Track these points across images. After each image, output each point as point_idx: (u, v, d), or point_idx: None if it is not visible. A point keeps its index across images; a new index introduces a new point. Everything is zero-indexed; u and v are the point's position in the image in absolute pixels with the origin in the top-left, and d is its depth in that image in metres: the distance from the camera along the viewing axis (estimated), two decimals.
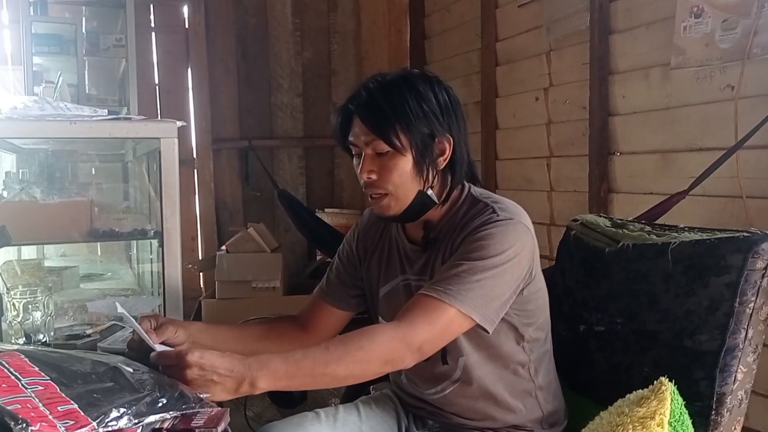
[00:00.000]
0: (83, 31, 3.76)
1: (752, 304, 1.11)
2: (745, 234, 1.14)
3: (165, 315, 1.68)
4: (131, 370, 0.92)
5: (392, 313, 1.18)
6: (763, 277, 1.11)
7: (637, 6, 2.30)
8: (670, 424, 0.96)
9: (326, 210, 4.17)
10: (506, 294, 1.13)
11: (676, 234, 1.26)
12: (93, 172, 2.67)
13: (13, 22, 3.78)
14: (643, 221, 1.45)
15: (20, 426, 0.72)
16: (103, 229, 1.92)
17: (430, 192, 1.21)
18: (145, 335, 1.07)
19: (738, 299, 1.11)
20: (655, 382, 1.01)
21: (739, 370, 1.11)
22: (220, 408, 0.91)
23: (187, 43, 4.14)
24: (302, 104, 4.36)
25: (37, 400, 0.79)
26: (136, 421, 0.81)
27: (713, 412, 1.11)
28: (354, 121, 1.21)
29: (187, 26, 4.14)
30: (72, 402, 0.80)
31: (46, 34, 3.67)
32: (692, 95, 2.06)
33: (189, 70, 4.17)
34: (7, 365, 0.86)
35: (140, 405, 0.83)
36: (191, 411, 0.87)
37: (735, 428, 1.14)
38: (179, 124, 1.73)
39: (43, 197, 2.01)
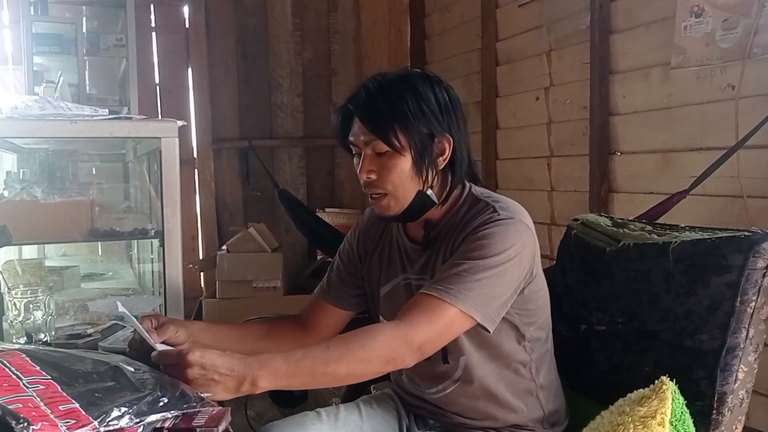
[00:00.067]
0: (84, 30, 3.77)
1: (753, 304, 1.11)
2: (745, 233, 1.14)
3: (166, 314, 1.68)
4: (132, 370, 0.92)
5: (393, 312, 1.18)
6: (764, 276, 1.11)
7: (637, 6, 2.30)
8: (671, 423, 0.96)
9: (327, 210, 4.17)
10: (507, 293, 1.13)
11: (676, 233, 1.26)
12: (94, 172, 2.67)
13: (13, 22, 3.78)
14: (644, 221, 1.45)
15: (21, 425, 0.72)
16: (104, 228, 1.92)
17: (429, 192, 1.21)
18: (146, 335, 1.07)
19: (739, 298, 1.11)
20: (656, 381, 1.01)
21: (740, 370, 1.11)
22: (221, 407, 0.91)
23: (187, 43, 4.13)
24: (302, 104, 4.36)
25: (38, 399, 0.79)
26: (138, 420, 0.81)
27: (714, 412, 1.11)
28: (354, 120, 1.21)
29: (187, 26, 4.13)
30: (73, 401, 0.80)
31: (47, 33, 3.67)
32: (693, 95, 2.06)
33: (189, 70, 4.16)
34: (8, 364, 0.86)
35: (141, 404, 0.83)
36: (192, 410, 0.87)
37: (736, 428, 1.14)
38: (180, 123, 1.73)
39: (44, 197, 2.01)
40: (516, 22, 3.00)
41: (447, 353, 1.22)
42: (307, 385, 1.11)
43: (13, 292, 1.49)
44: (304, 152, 4.38)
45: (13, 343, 1.43)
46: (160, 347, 1.05)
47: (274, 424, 1.24)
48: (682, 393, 1.01)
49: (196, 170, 4.15)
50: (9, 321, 1.46)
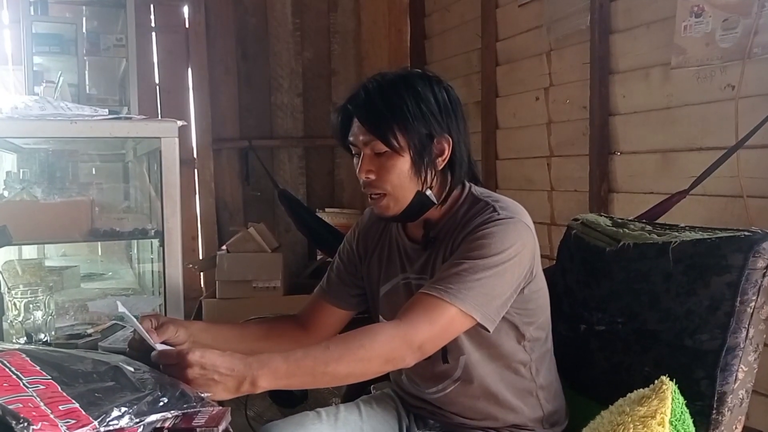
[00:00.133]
0: (84, 30, 3.76)
1: (753, 304, 1.11)
2: (745, 233, 1.14)
3: (166, 314, 1.69)
4: (132, 370, 0.92)
5: (393, 312, 1.18)
6: (764, 276, 1.11)
7: (637, 6, 2.30)
8: (671, 423, 0.96)
9: (326, 210, 4.16)
10: (507, 293, 1.13)
11: (676, 233, 1.26)
12: (94, 172, 2.67)
13: (13, 22, 3.78)
14: (644, 221, 1.45)
15: (22, 425, 0.72)
16: (104, 228, 1.92)
17: (428, 192, 1.21)
18: (146, 335, 1.07)
19: (739, 298, 1.11)
20: (656, 381, 1.01)
21: (740, 370, 1.11)
22: (221, 407, 0.91)
23: (187, 43, 4.13)
24: (302, 104, 4.36)
25: (38, 399, 0.79)
26: (138, 420, 0.81)
27: (714, 412, 1.11)
28: (353, 120, 1.21)
29: (187, 26, 4.13)
30: (73, 401, 0.80)
31: (47, 33, 3.67)
32: (693, 95, 2.06)
33: (189, 70, 4.16)
34: (8, 364, 0.86)
35: (141, 404, 0.83)
36: (192, 410, 0.87)
37: (736, 427, 1.14)
38: (180, 123, 1.73)
39: (44, 197, 2.01)
40: (516, 22, 3.00)
41: (447, 353, 1.22)
42: (307, 385, 1.12)
43: (13, 292, 1.49)
44: (304, 152, 4.38)
45: (13, 343, 1.43)
46: (160, 347, 1.05)
47: (274, 424, 1.24)
48: (682, 393, 1.01)
49: (196, 170, 4.15)
50: (9, 321, 1.46)
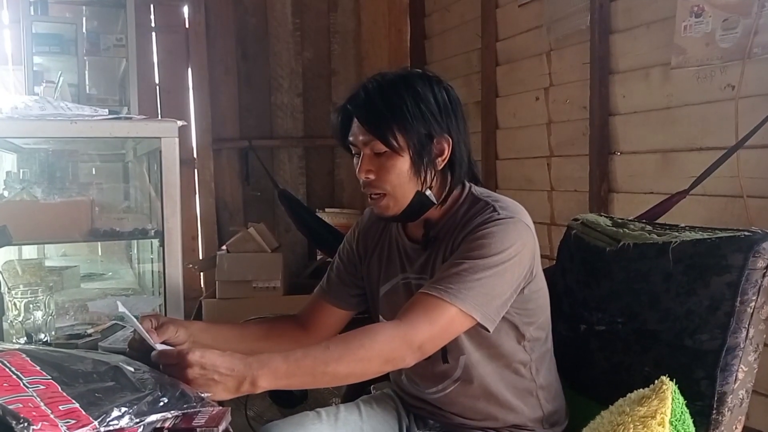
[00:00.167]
0: (84, 30, 3.76)
1: (753, 304, 1.11)
2: (745, 233, 1.14)
3: (166, 314, 1.69)
4: (132, 370, 0.92)
5: (392, 311, 1.18)
6: (764, 276, 1.11)
7: (637, 6, 2.30)
8: (671, 423, 0.96)
9: (326, 210, 4.17)
10: (507, 293, 1.13)
11: (676, 233, 1.26)
12: (94, 172, 2.67)
13: (13, 22, 3.78)
14: (644, 221, 1.45)
15: (22, 425, 0.73)
16: (104, 228, 1.92)
17: (428, 192, 1.21)
18: (146, 335, 1.07)
19: (739, 298, 1.11)
20: (656, 381, 1.01)
21: (740, 370, 1.11)
22: (221, 407, 0.91)
23: (187, 43, 4.13)
24: (302, 104, 4.36)
25: (38, 399, 0.79)
26: (138, 420, 0.81)
27: (714, 412, 1.11)
28: (353, 120, 1.21)
29: (187, 26, 4.13)
30: (73, 401, 0.80)
31: (47, 33, 3.67)
32: (693, 95, 2.06)
33: (189, 70, 4.16)
34: (8, 364, 0.86)
35: (141, 404, 0.83)
36: (192, 410, 0.87)
37: (736, 428, 1.14)
38: (180, 123, 1.73)
39: (44, 197, 2.01)
40: (516, 22, 3.00)
41: (447, 353, 1.22)
42: (307, 385, 1.11)
43: (13, 292, 1.49)
44: (304, 152, 4.38)
45: (13, 343, 1.43)
46: (160, 347, 1.05)
47: (274, 424, 1.24)
48: (682, 393, 1.01)
49: (196, 170, 4.15)
50: (9, 321, 1.46)
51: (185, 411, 0.86)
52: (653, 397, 0.98)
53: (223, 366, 0.94)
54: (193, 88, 4.16)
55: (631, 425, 0.95)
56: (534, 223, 1.21)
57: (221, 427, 0.85)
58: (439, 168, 1.21)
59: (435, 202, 1.22)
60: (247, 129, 4.26)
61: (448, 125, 1.19)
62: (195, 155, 4.14)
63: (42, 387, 0.82)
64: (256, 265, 3.54)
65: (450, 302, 1.07)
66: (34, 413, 0.75)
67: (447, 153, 1.20)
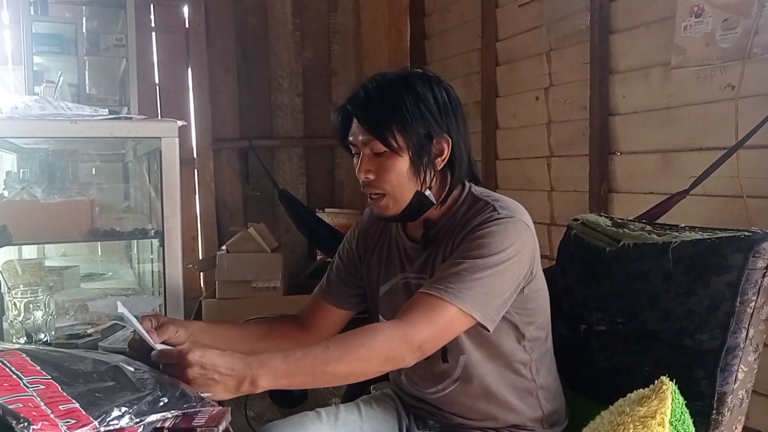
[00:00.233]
0: (84, 30, 3.76)
1: (753, 304, 1.11)
2: (745, 233, 1.14)
3: (166, 314, 1.69)
4: (132, 370, 0.92)
5: (392, 311, 1.18)
6: (764, 276, 1.11)
7: (637, 6, 2.30)
8: (671, 423, 0.96)
9: (326, 210, 4.17)
10: (507, 292, 1.13)
11: (676, 233, 1.26)
12: (94, 172, 2.67)
13: (13, 22, 3.78)
14: (644, 221, 1.45)
15: (22, 425, 0.73)
16: (104, 228, 1.92)
17: (428, 192, 1.21)
18: (146, 334, 1.07)
19: (739, 298, 1.11)
20: (656, 381, 1.01)
21: (740, 370, 1.11)
22: (221, 407, 0.91)
23: (187, 43, 4.13)
24: (302, 104, 4.36)
25: (38, 399, 0.79)
26: (138, 420, 0.81)
27: (714, 412, 1.11)
28: (353, 120, 1.21)
29: (187, 26, 4.13)
30: (73, 401, 0.80)
31: (47, 33, 3.67)
32: (693, 95, 2.06)
33: (189, 70, 4.16)
34: (8, 364, 0.86)
35: (141, 404, 0.83)
36: (192, 410, 0.87)
37: (736, 428, 1.14)
38: (180, 123, 1.73)
39: (44, 197, 2.01)
40: (516, 22, 3.00)
41: (446, 352, 1.22)
42: (307, 385, 1.11)
43: (13, 292, 1.48)
44: (304, 152, 4.38)
45: (13, 343, 1.43)
46: (160, 347, 1.05)
47: (274, 424, 1.24)
48: (682, 393, 1.01)
49: (196, 170, 4.15)
50: (9, 321, 1.46)
51: (185, 411, 0.86)
52: (653, 397, 0.98)
53: (223, 366, 0.94)
54: (193, 88, 4.16)
55: (631, 425, 0.95)
56: (534, 223, 1.21)
57: (221, 427, 0.85)
58: (439, 168, 1.21)
59: (434, 202, 1.22)
60: (247, 129, 4.26)
61: (447, 125, 1.19)
62: (195, 155, 4.14)
63: (42, 387, 0.82)
64: (256, 265, 3.54)
65: (450, 302, 1.07)
66: (34, 413, 0.75)
67: (447, 153, 1.20)
